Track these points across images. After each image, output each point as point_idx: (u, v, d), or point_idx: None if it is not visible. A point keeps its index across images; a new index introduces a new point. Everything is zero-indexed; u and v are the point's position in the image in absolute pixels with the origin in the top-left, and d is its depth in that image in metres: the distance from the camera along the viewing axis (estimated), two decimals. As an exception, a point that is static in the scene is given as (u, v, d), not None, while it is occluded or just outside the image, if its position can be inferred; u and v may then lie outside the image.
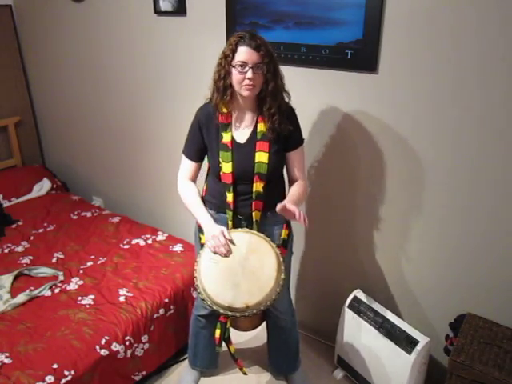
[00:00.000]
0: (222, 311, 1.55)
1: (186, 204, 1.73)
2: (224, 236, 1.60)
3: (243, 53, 1.48)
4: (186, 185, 1.74)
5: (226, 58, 1.51)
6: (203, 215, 1.69)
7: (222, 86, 1.55)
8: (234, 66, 1.50)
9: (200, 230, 1.74)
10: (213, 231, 1.62)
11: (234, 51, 1.49)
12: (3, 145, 3.31)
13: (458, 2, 1.55)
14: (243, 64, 1.49)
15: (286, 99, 1.63)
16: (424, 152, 1.79)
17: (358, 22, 1.75)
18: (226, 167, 1.62)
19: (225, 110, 1.61)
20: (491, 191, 1.68)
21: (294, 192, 1.67)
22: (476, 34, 1.55)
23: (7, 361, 1.69)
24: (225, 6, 2.11)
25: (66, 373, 1.68)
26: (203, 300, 1.58)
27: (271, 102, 1.56)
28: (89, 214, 2.84)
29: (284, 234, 1.75)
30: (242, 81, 1.51)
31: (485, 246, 1.75)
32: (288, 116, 1.62)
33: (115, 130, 2.97)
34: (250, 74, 1.49)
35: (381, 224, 2.01)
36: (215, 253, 1.61)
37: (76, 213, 2.85)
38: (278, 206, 1.50)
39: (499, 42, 1.52)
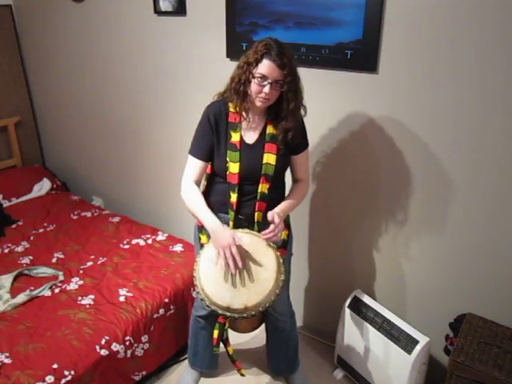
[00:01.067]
0: (220, 312, 1.55)
1: (192, 209, 1.65)
2: (235, 244, 1.52)
3: (266, 67, 1.47)
4: (192, 189, 1.65)
5: (249, 65, 1.50)
6: (212, 220, 1.60)
7: (242, 91, 1.54)
8: (254, 76, 1.50)
9: (200, 230, 1.74)
10: (224, 237, 1.53)
11: (257, 61, 1.48)
12: (3, 145, 3.31)
13: (458, 1, 1.56)
14: (263, 77, 1.48)
15: (302, 113, 1.63)
16: (424, 152, 1.78)
17: (358, 22, 1.75)
18: (234, 167, 1.61)
19: (238, 109, 1.60)
20: (491, 191, 1.68)
21: (287, 203, 1.66)
22: (476, 34, 1.55)
23: (7, 361, 1.69)
24: (225, 6, 2.11)
25: (66, 373, 1.68)
26: (202, 300, 1.58)
27: (291, 119, 1.56)
28: (89, 214, 2.84)
29: (284, 234, 1.75)
30: (259, 93, 1.50)
31: (485, 246, 1.75)
32: (300, 130, 1.63)
33: (115, 130, 2.97)
34: (267, 89, 1.48)
35: (381, 224, 2.01)
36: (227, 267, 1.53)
37: (76, 213, 2.85)
38: (269, 215, 1.55)
39: (500, 42, 1.52)
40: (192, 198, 1.64)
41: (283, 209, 1.64)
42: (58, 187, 3.25)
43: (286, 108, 1.54)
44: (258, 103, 1.53)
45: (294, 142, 1.61)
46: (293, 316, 1.99)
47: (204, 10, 2.22)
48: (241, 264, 1.52)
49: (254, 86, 1.51)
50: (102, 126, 3.05)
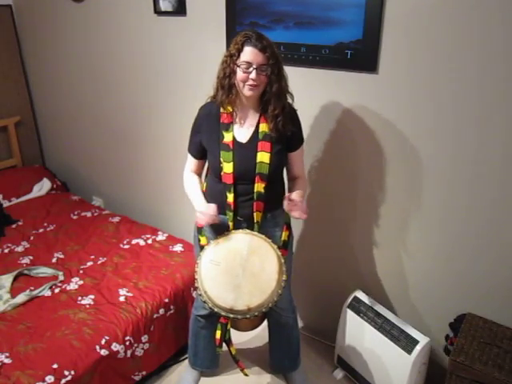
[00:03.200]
0: (223, 313, 1.54)
1: (187, 192, 1.78)
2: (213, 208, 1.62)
3: (249, 53, 1.49)
4: (190, 176, 1.80)
5: (232, 57, 1.52)
6: (198, 199, 1.72)
7: (228, 84, 1.56)
8: (238, 66, 1.51)
9: (199, 231, 1.74)
10: (204, 208, 1.64)
11: (239, 50, 1.50)
12: (3, 145, 3.31)
13: (459, 1, 1.55)
14: (248, 64, 1.49)
15: (290, 100, 1.64)
16: (424, 151, 1.78)
17: (358, 22, 1.75)
18: (227, 167, 1.61)
19: (229, 109, 1.61)
20: (491, 190, 1.68)
21: (297, 189, 1.72)
22: (476, 34, 1.55)
23: (7, 361, 1.69)
24: (225, 6, 2.11)
25: (66, 373, 1.68)
26: (205, 302, 1.57)
27: (275, 103, 1.57)
28: (89, 214, 2.84)
29: (284, 235, 1.75)
30: (246, 80, 1.52)
31: (485, 245, 1.75)
32: (291, 117, 1.63)
33: (115, 130, 2.97)
34: (253, 75, 1.50)
35: (381, 224, 2.01)
36: (212, 227, 1.63)
37: (76, 213, 2.85)
38: (285, 202, 1.57)
39: (500, 42, 1.52)
40: (188, 183, 1.79)
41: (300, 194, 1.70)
42: (58, 187, 3.25)
43: (269, 91, 1.56)
44: (248, 92, 1.54)
45: (286, 130, 1.61)
46: (294, 311, 1.99)
47: (204, 10, 2.22)
48: (216, 220, 1.61)
49: (239, 75, 1.52)
50: (102, 125, 3.05)
